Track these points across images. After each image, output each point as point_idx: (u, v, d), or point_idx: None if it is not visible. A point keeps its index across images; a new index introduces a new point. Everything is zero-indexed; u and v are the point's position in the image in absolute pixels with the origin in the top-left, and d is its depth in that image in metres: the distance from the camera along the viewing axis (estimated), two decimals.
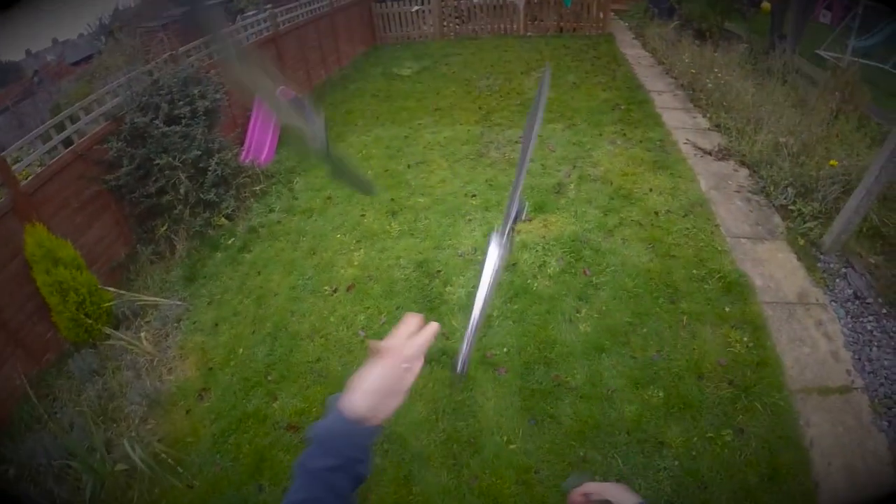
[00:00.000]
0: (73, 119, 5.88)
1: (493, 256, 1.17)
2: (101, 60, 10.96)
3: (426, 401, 4.06)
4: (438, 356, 4.36)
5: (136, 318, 5.51)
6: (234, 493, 3.80)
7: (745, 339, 4.19)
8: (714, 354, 4.10)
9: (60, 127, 5.76)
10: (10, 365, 4.86)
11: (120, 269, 6.15)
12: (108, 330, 5.14)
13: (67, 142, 5.79)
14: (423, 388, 4.15)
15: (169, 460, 4.05)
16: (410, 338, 1.01)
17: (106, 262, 6.01)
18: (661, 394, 3.85)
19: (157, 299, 5.61)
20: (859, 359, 4.00)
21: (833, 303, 4.52)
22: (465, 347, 1.13)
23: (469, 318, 1.14)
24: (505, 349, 4.35)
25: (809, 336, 4.22)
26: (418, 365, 1.01)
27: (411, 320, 1.03)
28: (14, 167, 5.35)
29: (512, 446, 3.68)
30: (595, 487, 1.19)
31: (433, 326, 1.04)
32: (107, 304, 5.30)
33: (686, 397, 3.80)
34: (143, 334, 5.20)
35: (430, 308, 4.86)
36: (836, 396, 3.76)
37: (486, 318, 4.65)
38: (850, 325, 4.28)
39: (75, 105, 6.02)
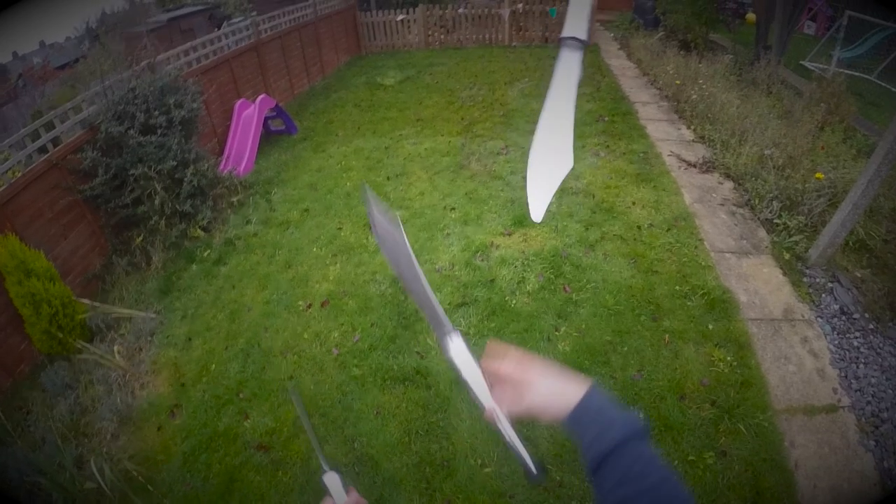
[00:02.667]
0: (49, 127, 5.78)
1: (465, 355, 1.04)
2: (86, 65, 10.82)
3: (399, 422, 3.96)
4: (412, 375, 4.27)
5: (110, 331, 5.39)
6: None
7: (729, 357, 4.11)
8: (697, 374, 4.02)
9: (36, 135, 5.65)
10: None
11: (95, 280, 6.05)
12: (80, 343, 5.03)
13: (44, 150, 5.69)
14: (396, 409, 4.05)
15: (140, 478, 3.96)
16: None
17: (81, 272, 5.92)
18: (641, 414, 3.76)
19: (132, 312, 5.50)
20: (846, 376, 3.93)
21: (819, 319, 4.45)
22: (520, 449, 0.97)
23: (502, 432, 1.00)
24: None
25: (795, 354, 4.15)
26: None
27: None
28: (3, 166, 5.28)
29: (486, 470, 3.58)
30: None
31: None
32: (80, 317, 5.20)
33: (667, 418, 3.72)
34: (116, 348, 5.08)
35: (405, 326, 4.76)
36: (822, 416, 3.68)
37: (462, 336, 4.56)
38: (836, 342, 4.21)
39: (50, 113, 5.90)
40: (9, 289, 4.85)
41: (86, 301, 5.38)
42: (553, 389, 0.95)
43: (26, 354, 5.18)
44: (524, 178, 1.41)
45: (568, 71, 1.21)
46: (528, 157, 1.24)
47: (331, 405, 4.20)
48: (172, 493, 3.89)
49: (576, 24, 1.21)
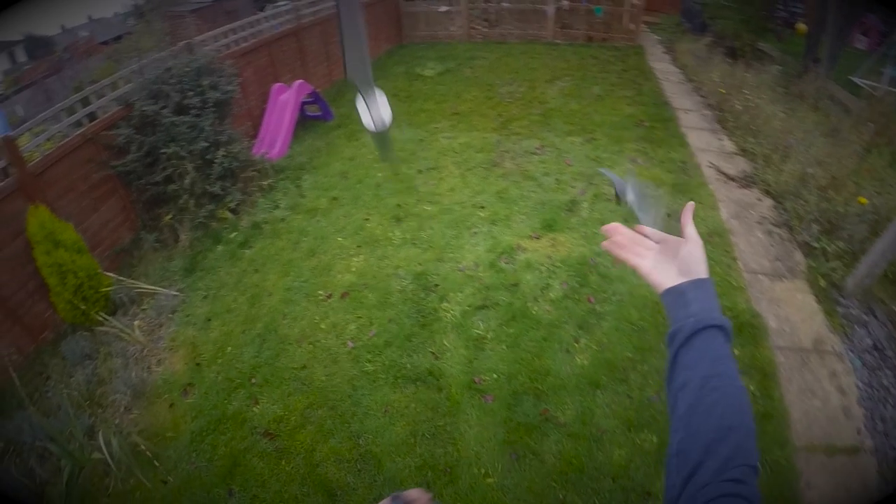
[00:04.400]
0: (85, 102, 5.86)
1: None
2: (130, 41, 10.98)
3: (406, 422, 3.91)
4: (425, 376, 4.22)
5: (133, 306, 5.47)
6: (204, 494, 3.73)
7: (753, 386, 3.94)
8: None
9: (72, 110, 5.75)
10: (8, 340, 4.89)
11: (123, 253, 6.15)
12: (102, 316, 5.11)
13: (79, 124, 5.78)
14: (405, 409, 4.00)
15: (147, 452, 4.00)
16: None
17: (110, 245, 6.01)
18: (654, 439, 3.63)
19: (155, 288, 5.56)
20: (872, 417, 3.72)
21: (850, 352, 4.24)
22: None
23: None
24: (494, 375, 4.17)
25: (821, 388, 3.96)
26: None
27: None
28: (34, 141, 5.37)
29: (489, 480, 3.51)
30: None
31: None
32: (105, 289, 5.29)
33: None
34: (136, 322, 5.16)
35: (423, 324, 4.70)
36: (843, 457, 3.50)
37: (480, 340, 4.49)
38: (865, 379, 4.00)
39: (87, 89, 5.98)
40: (37, 258, 4.96)
41: (111, 274, 5.47)
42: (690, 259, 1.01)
43: (50, 322, 5.28)
44: None
45: None
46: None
47: (340, 399, 4.17)
48: (177, 470, 3.93)
49: None
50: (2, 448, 4.24)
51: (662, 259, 1.04)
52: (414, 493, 1.18)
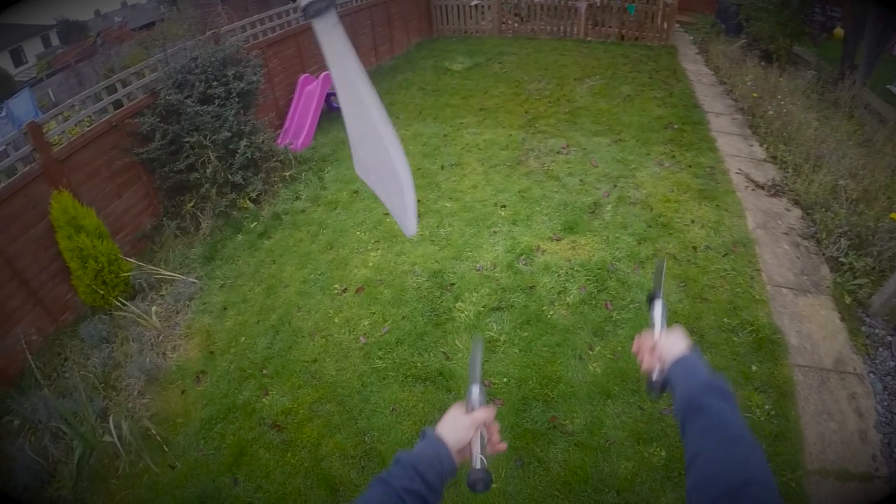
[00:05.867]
0: (111, 90, 5.94)
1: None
2: (161, 28, 11.09)
3: (413, 421, 3.89)
4: (435, 376, 4.19)
5: (152, 291, 5.55)
6: (210, 481, 3.77)
7: (768, 405, 3.82)
8: None
9: (98, 97, 5.83)
10: (29, 321, 5.01)
11: (145, 239, 6.24)
12: (121, 301, 5.19)
13: (105, 111, 5.86)
14: (413, 408, 3.99)
15: (157, 437, 4.08)
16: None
17: (132, 231, 6.10)
18: (663, 453, 3.55)
19: (174, 275, 5.63)
20: (889, 443, 3.58)
21: (872, 374, 4.08)
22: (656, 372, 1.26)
23: None
24: (505, 379, 4.12)
25: (839, 410, 3.82)
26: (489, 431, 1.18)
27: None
28: (59, 126, 5.46)
29: (492, 485, 3.47)
30: (650, 341, 1.31)
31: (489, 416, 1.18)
32: (125, 274, 5.38)
33: None
34: (154, 308, 5.23)
35: (436, 323, 4.67)
36: (856, 484, 3.37)
37: (492, 342, 4.45)
38: (885, 404, 3.85)
39: (112, 77, 6.07)
40: (59, 242, 5.06)
41: (131, 260, 5.54)
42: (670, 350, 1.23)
43: (71, 304, 5.39)
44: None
45: (335, 52, 1.00)
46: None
47: (349, 394, 4.17)
48: (185, 456, 3.99)
49: None
50: (18, 425, 4.37)
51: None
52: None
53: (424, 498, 0.99)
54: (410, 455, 1.07)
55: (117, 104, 5.99)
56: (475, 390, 1.25)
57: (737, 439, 0.95)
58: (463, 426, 1.14)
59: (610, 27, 11.83)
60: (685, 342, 1.24)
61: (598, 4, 11.67)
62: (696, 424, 1.01)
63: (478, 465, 1.10)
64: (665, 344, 1.25)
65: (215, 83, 6.16)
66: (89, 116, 5.75)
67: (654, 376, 1.24)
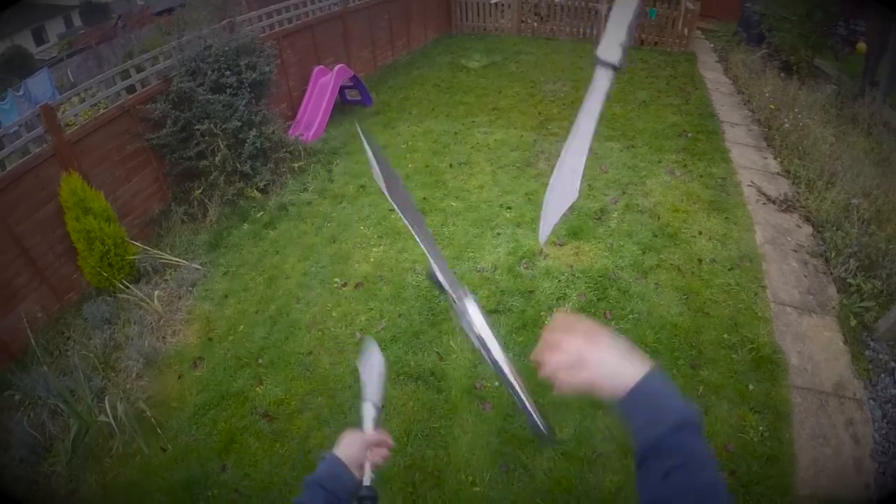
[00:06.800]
0: (126, 75, 6.00)
1: (479, 319, 1.16)
2: (180, 14, 11.13)
3: (401, 420, 3.90)
4: (427, 375, 4.19)
5: (156, 276, 5.61)
6: (199, 466, 3.83)
7: (762, 426, 3.78)
8: (723, 437, 3.72)
9: (112, 81, 5.88)
10: (34, 298, 5.09)
11: (152, 224, 6.29)
12: (124, 284, 5.24)
13: (119, 95, 5.92)
14: (403, 406, 4.00)
15: (151, 419, 4.13)
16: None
17: (140, 215, 6.17)
18: (695, 407, 3.52)
19: (179, 260, 5.68)
20: (884, 473, 3.52)
21: (871, 401, 4.01)
22: (532, 411, 1.09)
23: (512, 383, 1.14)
24: (496, 383, 4.10)
25: (836, 436, 3.76)
26: (375, 453, 1.27)
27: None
28: (73, 108, 5.52)
29: (475, 489, 3.48)
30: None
31: (387, 443, 1.31)
32: (130, 258, 5.44)
33: None
34: (157, 293, 5.28)
35: (432, 323, 4.67)
36: None
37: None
38: (883, 432, 3.78)
39: (127, 62, 6.12)
40: (67, 223, 5.12)
41: (138, 244, 5.59)
42: (613, 368, 0.93)
43: (76, 284, 5.47)
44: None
45: (596, 95, 1.13)
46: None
47: (341, 388, 4.20)
48: (177, 440, 4.05)
49: (611, 45, 1.10)
50: (18, 400, 4.46)
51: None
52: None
53: None
54: (314, 476, 1.16)
55: (130, 89, 6.04)
56: (367, 409, 1.35)
57: (710, 485, 0.81)
58: (355, 446, 1.25)
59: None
60: (637, 359, 0.94)
61: None
62: (667, 464, 0.81)
63: (367, 482, 1.20)
64: (601, 369, 0.94)
65: (228, 72, 6.19)
66: (103, 100, 5.80)
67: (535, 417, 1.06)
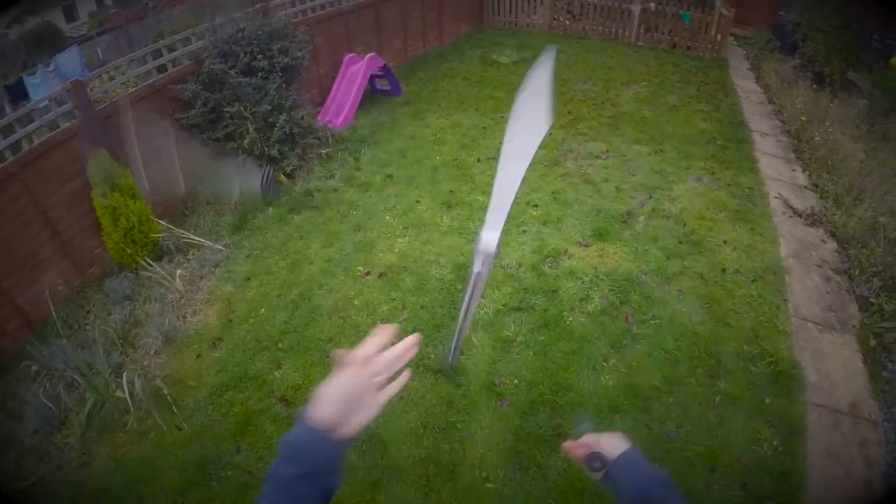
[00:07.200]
0: (157, 55, 6.04)
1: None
2: None
3: (419, 412, 3.92)
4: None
5: (179, 255, 5.66)
6: (213, 446, 3.87)
7: (777, 441, 3.75)
8: (736, 448, 3.69)
9: (143, 60, 5.93)
10: (57, 271, 5.15)
11: (177, 203, 6.29)
12: (147, 261, 5.28)
13: (150, 74, 5.96)
14: (421, 398, 4.01)
15: (168, 397, 4.17)
16: (381, 351, 0.97)
17: None
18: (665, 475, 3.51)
19: (202, 241, 5.72)
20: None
21: (886, 423, 3.96)
22: (454, 340, 1.13)
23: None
24: (516, 380, 4.11)
25: (848, 455, 3.72)
26: (393, 381, 0.97)
27: (383, 332, 0.99)
28: (103, 86, 5.56)
29: (489, 485, 3.49)
30: (592, 440, 1.26)
31: (411, 340, 1.00)
32: (154, 236, 5.49)
33: (690, 489, 3.44)
34: (179, 272, 5.33)
35: (454, 317, 4.64)
36: None
37: (508, 342, 4.43)
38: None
39: (159, 42, 6.16)
40: (93, 198, 5.17)
41: (162, 222, 5.62)
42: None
43: (99, 259, 5.53)
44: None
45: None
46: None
47: None
48: (192, 419, 4.09)
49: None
50: (35, 371, 4.52)
51: None
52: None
53: (317, 480, 0.86)
54: (293, 436, 0.90)
55: (161, 69, 6.08)
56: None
57: None
58: (359, 403, 0.94)
59: (662, 34, 11.57)
60: (624, 440, 1.26)
61: (653, 9, 11.42)
62: None
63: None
64: (609, 438, 1.26)
65: (260, 56, 6.21)
66: (133, 79, 5.85)
67: (595, 464, 1.23)
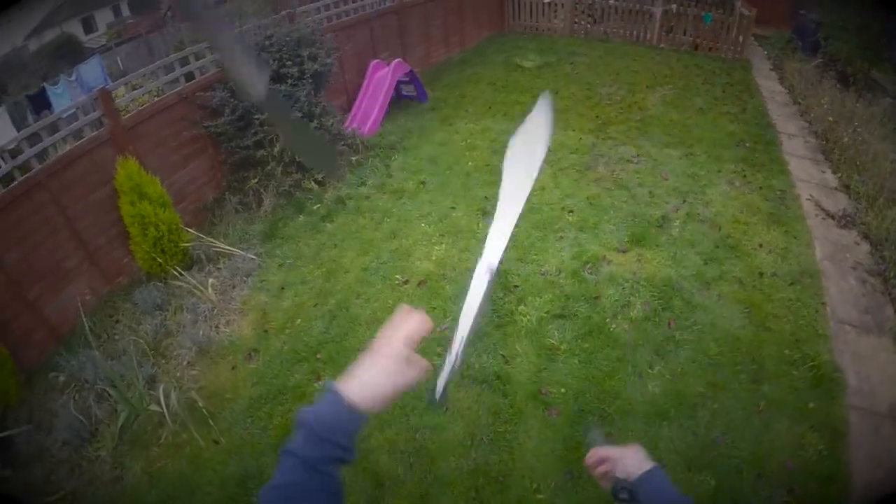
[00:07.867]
0: (184, 62, 6.04)
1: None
2: (233, 4, 11.17)
3: (466, 423, 3.86)
4: (492, 379, 4.15)
5: (209, 264, 5.62)
6: (253, 461, 3.82)
7: (821, 445, 3.68)
8: (783, 453, 3.63)
9: (169, 68, 5.95)
10: (84, 281, 5.14)
11: (206, 211, 6.34)
12: (178, 270, 5.25)
13: (176, 82, 5.98)
14: (467, 409, 3.96)
15: (204, 410, 4.12)
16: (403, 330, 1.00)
17: (194, 201, 6.22)
18: (712, 482, 3.45)
19: (233, 249, 5.69)
20: None
21: None
22: (446, 371, 1.08)
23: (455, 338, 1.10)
24: (563, 389, 4.05)
25: (890, 459, 3.65)
26: (417, 360, 0.99)
27: (408, 315, 1.03)
28: (128, 94, 5.56)
29: (539, 496, 3.43)
30: (610, 453, 1.26)
31: (420, 317, 1.03)
32: (184, 244, 5.48)
33: (738, 494, 3.39)
34: (211, 281, 5.28)
35: (498, 325, 4.62)
36: None
37: (553, 350, 4.38)
38: None
39: (186, 49, 6.17)
40: (121, 207, 5.16)
41: (192, 231, 5.61)
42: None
43: (127, 269, 5.52)
44: None
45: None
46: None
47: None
48: (230, 432, 4.03)
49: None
50: (63, 382, 4.47)
51: None
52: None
53: (334, 455, 0.86)
54: (315, 412, 0.89)
55: (188, 76, 6.09)
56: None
57: None
58: (387, 382, 0.95)
59: (684, 35, 11.49)
60: (644, 456, 1.24)
61: (674, 11, 11.34)
62: None
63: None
64: (630, 456, 1.24)
65: (289, 62, 6.19)
66: (159, 87, 5.86)
67: (622, 494, 1.19)
